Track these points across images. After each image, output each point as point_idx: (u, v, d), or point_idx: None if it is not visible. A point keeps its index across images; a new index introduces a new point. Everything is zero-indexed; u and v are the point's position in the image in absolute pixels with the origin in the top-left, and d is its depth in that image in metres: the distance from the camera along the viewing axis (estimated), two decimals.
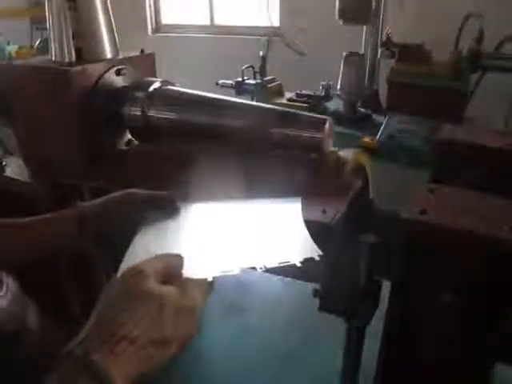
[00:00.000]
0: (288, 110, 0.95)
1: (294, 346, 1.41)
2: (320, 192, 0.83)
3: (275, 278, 1.49)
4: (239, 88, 2.68)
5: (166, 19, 4.58)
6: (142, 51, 1.22)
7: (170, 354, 0.54)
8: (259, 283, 1.52)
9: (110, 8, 1.16)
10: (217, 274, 0.61)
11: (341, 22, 2.43)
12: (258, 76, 2.77)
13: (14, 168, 1.17)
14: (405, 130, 2.28)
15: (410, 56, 2.31)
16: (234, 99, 1.05)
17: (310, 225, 0.70)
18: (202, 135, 1.01)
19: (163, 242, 0.71)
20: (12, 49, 3.51)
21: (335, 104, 2.67)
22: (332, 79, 2.68)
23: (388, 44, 2.38)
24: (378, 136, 2.27)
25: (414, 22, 3.02)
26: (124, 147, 1.16)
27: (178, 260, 0.61)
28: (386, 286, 0.86)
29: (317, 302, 0.89)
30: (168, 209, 0.77)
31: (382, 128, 2.29)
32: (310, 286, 1.47)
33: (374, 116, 2.61)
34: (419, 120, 2.32)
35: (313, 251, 0.64)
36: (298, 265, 0.61)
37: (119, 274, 0.59)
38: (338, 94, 2.54)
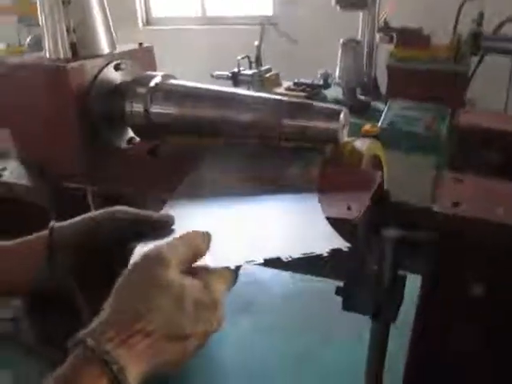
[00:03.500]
0: (300, 100, 0.91)
1: (310, 345, 1.37)
2: (338, 186, 0.79)
3: (287, 275, 1.46)
4: (235, 79, 2.64)
5: (156, 12, 4.50)
6: (141, 44, 1.17)
7: (189, 351, 0.52)
8: (272, 281, 1.49)
9: (104, 0, 1.11)
10: (241, 264, 0.58)
11: (338, 8, 2.38)
12: (253, 66, 2.72)
13: (11, 171, 1.12)
14: (406, 115, 2.25)
15: (409, 40, 2.27)
16: (241, 91, 1.00)
17: (333, 222, 0.67)
18: (210, 130, 0.97)
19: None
20: None
21: (334, 92, 2.63)
22: (328, 67, 2.64)
23: (386, 29, 2.35)
24: (379, 123, 2.24)
25: (411, 6, 2.98)
26: (126, 145, 1.12)
27: (204, 240, 0.58)
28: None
29: (332, 299, 0.86)
30: (158, 232, 0.66)
31: (383, 114, 2.25)
32: (322, 283, 1.44)
33: (373, 103, 2.58)
34: (420, 105, 2.28)
35: (340, 243, 0.60)
36: (325, 255, 0.58)
37: (138, 258, 0.55)
38: (337, 82, 2.50)
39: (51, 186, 1.04)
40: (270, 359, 1.35)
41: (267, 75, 2.63)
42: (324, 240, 0.61)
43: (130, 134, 1.11)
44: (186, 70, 2.53)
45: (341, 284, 0.82)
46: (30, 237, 0.68)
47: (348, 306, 0.79)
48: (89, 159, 1.04)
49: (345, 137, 0.88)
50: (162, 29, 4.36)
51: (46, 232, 0.67)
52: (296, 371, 1.36)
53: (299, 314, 1.53)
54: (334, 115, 0.85)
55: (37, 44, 2.32)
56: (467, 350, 0.67)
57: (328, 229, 0.64)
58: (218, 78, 2.68)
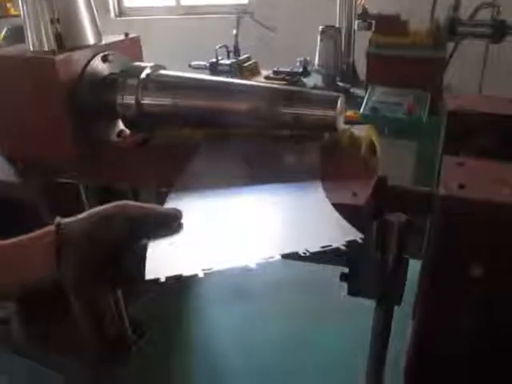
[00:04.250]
0: (297, 88, 0.90)
1: (302, 330, 1.39)
2: (341, 173, 0.79)
3: (279, 262, 1.47)
4: (214, 69, 2.61)
5: (128, 2, 4.40)
6: (127, 35, 1.15)
7: None
8: (263, 267, 1.49)
9: None
10: (258, 261, 0.57)
11: None
12: (231, 55, 2.70)
13: None
14: (388, 101, 2.26)
15: (388, 27, 2.28)
16: (235, 80, 0.99)
17: (340, 208, 0.67)
18: (204, 121, 0.95)
19: (187, 234, 0.65)
20: None
21: (313, 80, 2.63)
22: (305, 54, 2.63)
23: (364, 16, 2.35)
24: (361, 109, 2.25)
25: None
26: (116, 138, 1.10)
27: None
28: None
29: (324, 285, 0.87)
30: (168, 227, 0.65)
31: (364, 100, 2.26)
32: (313, 269, 1.45)
33: (352, 89, 2.59)
34: (400, 90, 2.30)
35: (353, 233, 0.60)
36: (342, 248, 0.58)
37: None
38: (316, 69, 2.50)
39: (41, 181, 1.01)
40: (264, 344, 1.36)
41: (246, 64, 2.61)
42: (336, 230, 0.61)
43: (120, 126, 1.09)
44: (163, 60, 2.49)
45: (343, 269, 0.83)
46: (27, 236, 0.63)
47: (353, 291, 0.80)
48: (79, 153, 1.01)
49: (342, 124, 0.88)
50: (136, 19, 4.26)
51: (48, 230, 0.62)
52: (289, 356, 1.37)
53: (292, 300, 1.54)
54: (331, 102, 0.85)
55: (13, 36, 2.22)
56: (471, 335, 0.69)
57: (337, 218, 0.64)
58: (196, 68, 2.65)
